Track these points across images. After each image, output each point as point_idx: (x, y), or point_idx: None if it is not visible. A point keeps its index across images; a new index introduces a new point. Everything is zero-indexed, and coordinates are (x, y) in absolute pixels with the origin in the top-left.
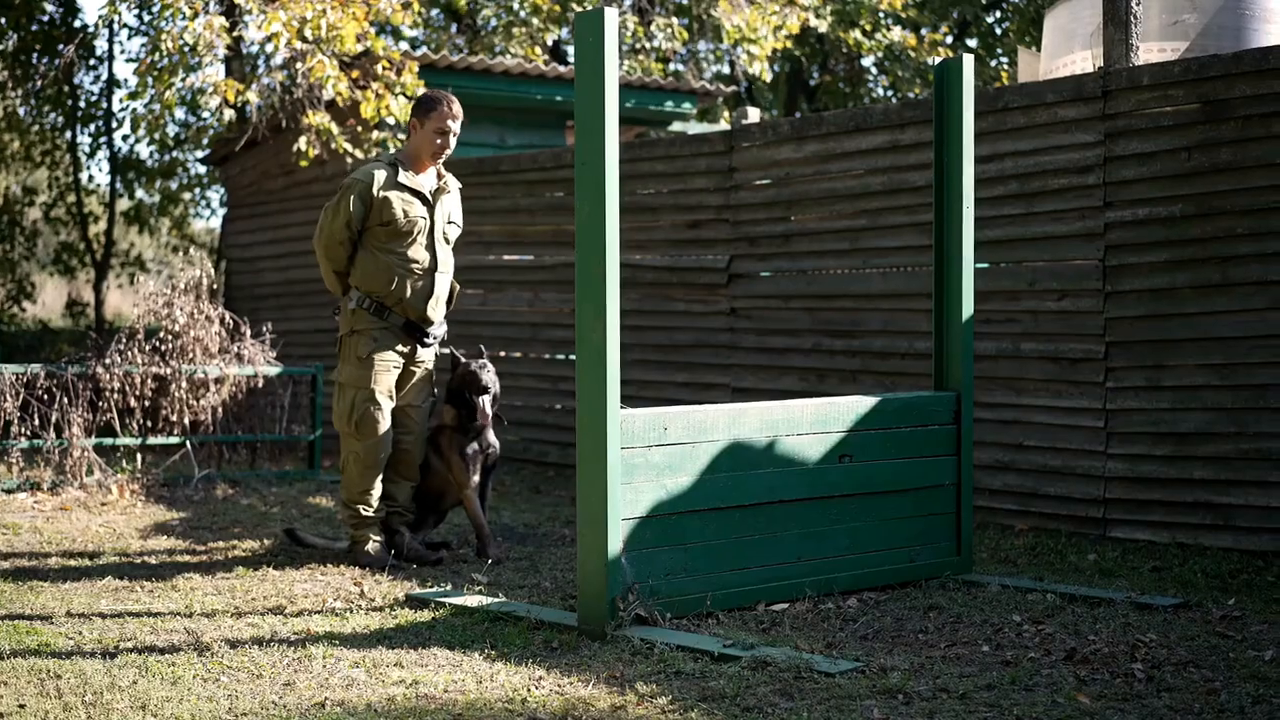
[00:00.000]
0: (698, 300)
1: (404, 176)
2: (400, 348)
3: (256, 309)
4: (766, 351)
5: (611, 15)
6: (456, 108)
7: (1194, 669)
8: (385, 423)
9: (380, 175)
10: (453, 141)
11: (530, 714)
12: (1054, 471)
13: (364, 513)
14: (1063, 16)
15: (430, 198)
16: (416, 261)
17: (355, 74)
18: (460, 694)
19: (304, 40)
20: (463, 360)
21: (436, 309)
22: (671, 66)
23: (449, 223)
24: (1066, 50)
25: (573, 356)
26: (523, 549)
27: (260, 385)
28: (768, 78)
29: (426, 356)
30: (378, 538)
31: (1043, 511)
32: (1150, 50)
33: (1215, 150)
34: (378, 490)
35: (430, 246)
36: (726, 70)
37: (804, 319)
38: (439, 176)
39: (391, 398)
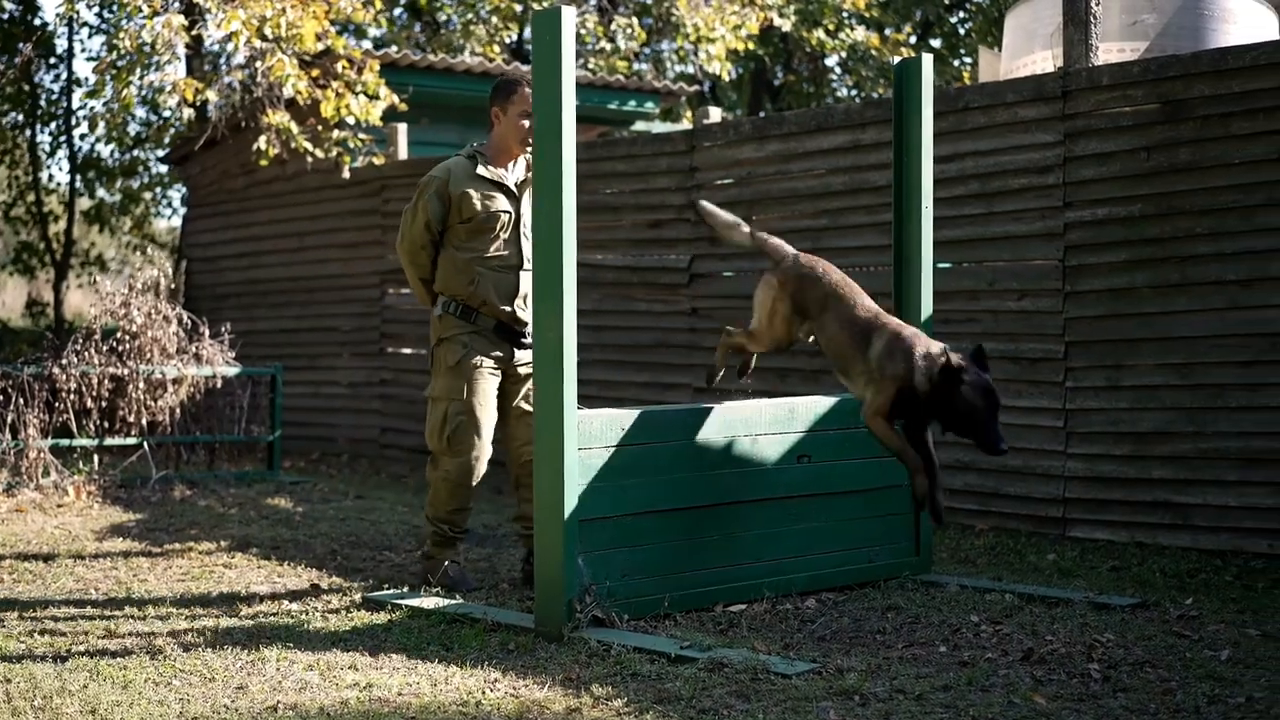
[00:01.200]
0: (659, 300)
1: (484, 169)
2: (495, 353)
3: (218, 309)
4: None
5: (569, 14)
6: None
7: (1150, 669)
8: (482, 439)
9: (458, 169)
10: None
11: (484, 717)
12: (1014, 471)
13: (450, 533)
14: (1024, 16)
15: (515, 190)
16: (499, 258)
17: (315, 73)
18: (414, 697)
19: (264, 39)
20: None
21: (526, 308)
22: (636, 66)
23: None
24: (1027, 50)
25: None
26: (481, 550)
27: (219, 386)
28: (727, 77)
29: (526, 358)
30: (458, 559)
31: (1003, 511)
32: (1110, 50)
33: (1174, 150)
34: (468, 512)
35: (515, 241)
36: (690, 70)
37: None
38: (528, 167)
39: (492, 409)
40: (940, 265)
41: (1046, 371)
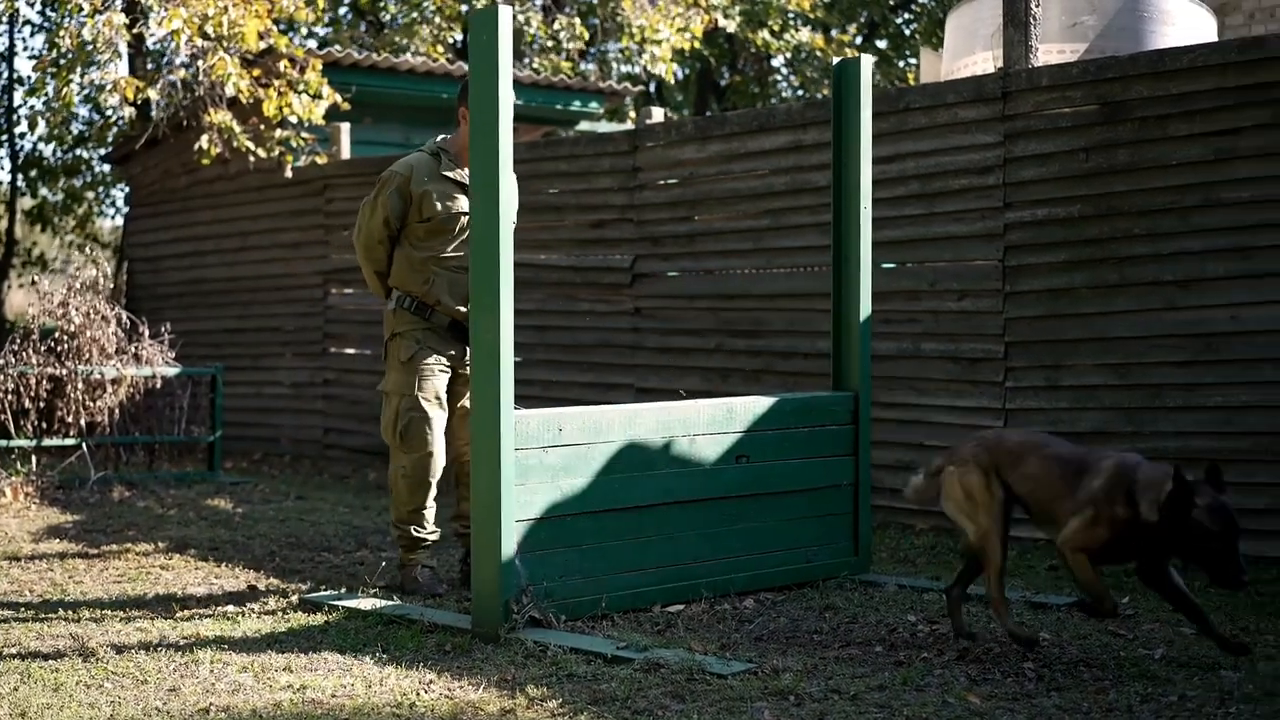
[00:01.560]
0: (602, 300)
1: (447, 168)
2: (449, 351)
3: (160, 309)
4: (670, 351)
5: (506, 13)
6: None
7: (1084, 668)
8: (435, 434)
9: (421, 166)
10: None
11: (418, 718)
12: None
13: (415, 534)
14: (965, 17)
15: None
16: (455, 259)
17: (256, 72)
18: (348, 699)
19: (205, 38)
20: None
21: None
22: (584, 67)
23: None
24: (968, 51)
25: None
26: None
27: (159, 386)
28: (672, 79)
29: None
30: (430, 563)
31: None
32: (1050, 52)
33: (1113, 151)
34: (431, 509)
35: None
36: (638, 71)
37: (707, 319)
38: None
39: (442, 405)
40: (886, 265)
41: (987, 372)
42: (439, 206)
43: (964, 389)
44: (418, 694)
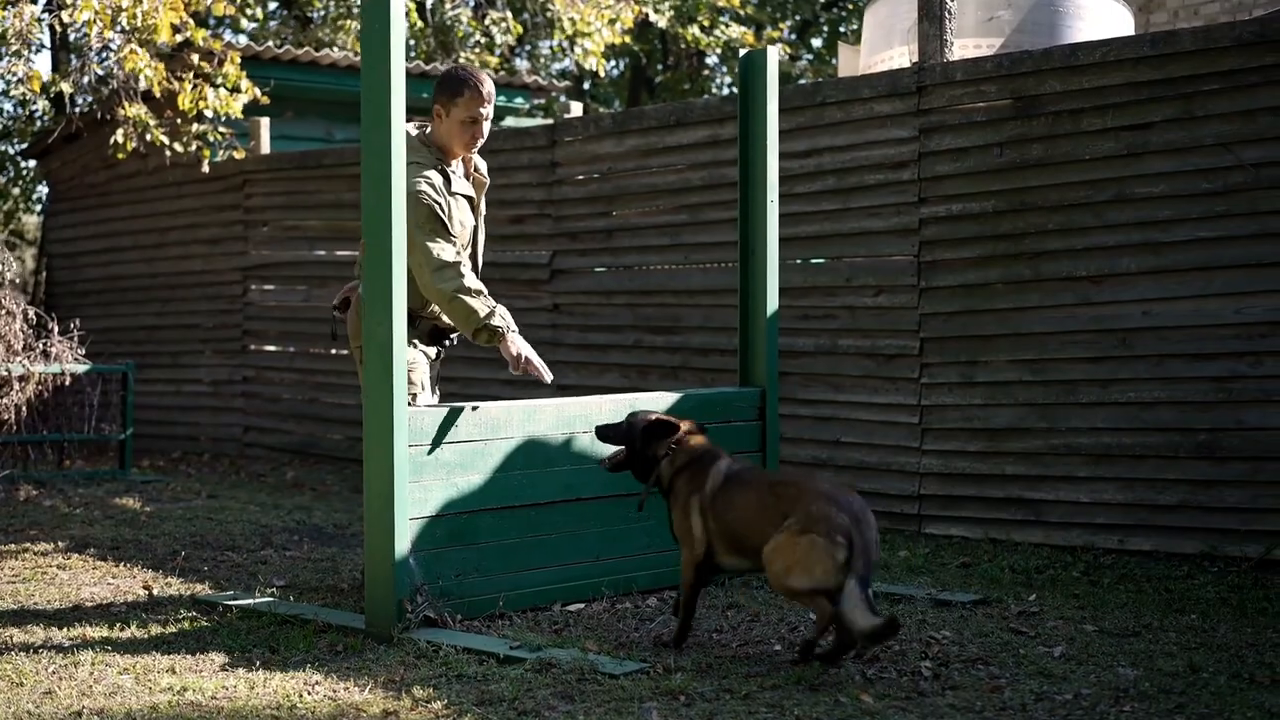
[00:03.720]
0: (520, 296)
1: (459, 185)
2: (429, 350)
3: (79, 305)
4: (588, 348)
5: (398, 2)
6: (488, 87)
7: (982, 666)
8: None
9: (438, 184)
10: (486, 129)
11: None
12: (870, 468)
13: None
14: (882, 12)
15: (476, 199)
16: None
17: (169, 65)
18: (228, 700)
19: (119, 29)
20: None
21: None
22: (519, 64)
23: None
24: (886, 45)
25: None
26: (326, 550)
27: (68, 383)
28: (604, 73)
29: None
30: None
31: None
32: (966, 46)
33: (1026, 146)
34: None
35: (468, 248)
36: (570, 67)
37: (625, 315)
38: (473, 167)
39: (430, 391)
40: (800, 261)
41: (902, 368)
42: (458, 227)
43: (880, 385)
44: (300, 695)
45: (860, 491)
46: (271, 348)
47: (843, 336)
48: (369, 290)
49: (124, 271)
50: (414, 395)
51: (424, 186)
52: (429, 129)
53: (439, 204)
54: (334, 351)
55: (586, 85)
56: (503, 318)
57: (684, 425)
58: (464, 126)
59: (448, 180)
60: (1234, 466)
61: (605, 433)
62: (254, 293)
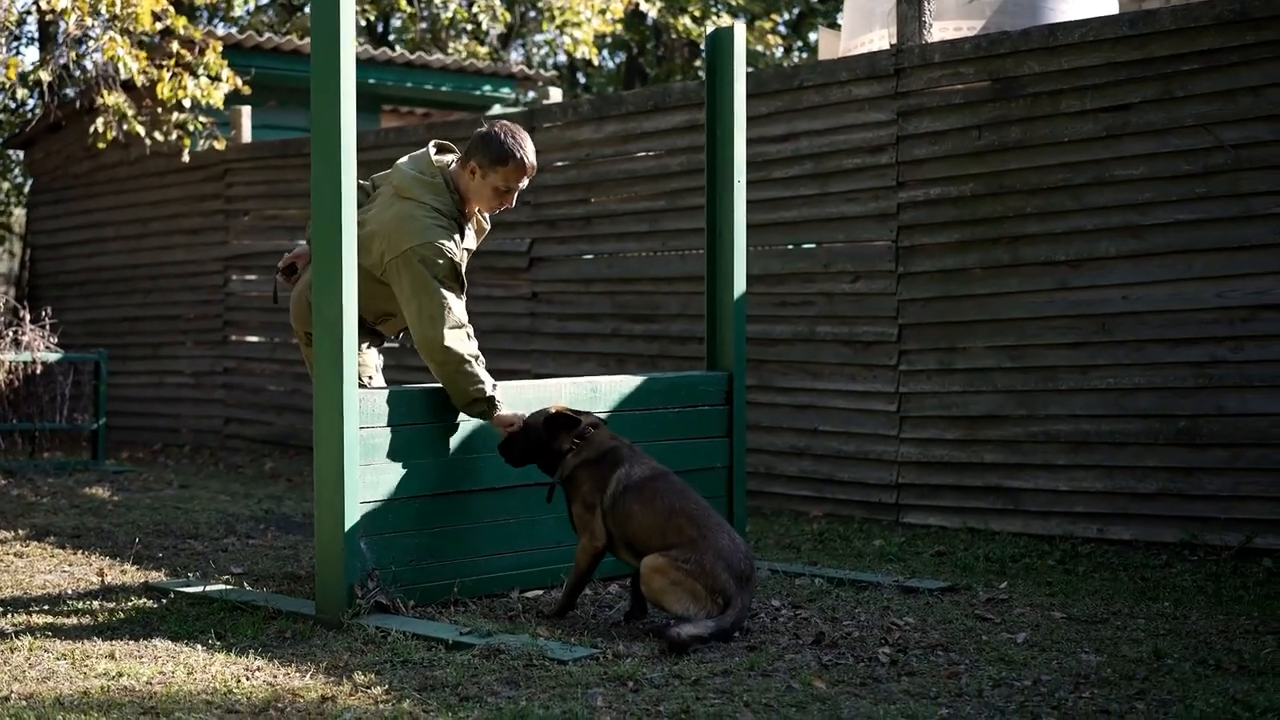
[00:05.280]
0: (499, 285)
1: (468, 236)
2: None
3: (62, 297)
4: (567, 337)
5: None
6: (532, 159)
7: (942, 652)
8: None
9: (449, 237)
10: (514, 200)
11: (230, 706)
12: (848, 457)
13: None
14: None
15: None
16: None
17: (150, 54)
18: (163, 686)
19: (98, 16)
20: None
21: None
22: (513, 56)
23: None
24: (866, 28)
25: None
26: (290, 539)
27: (39, 372)
28: (596, 61)
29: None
30: None
31: (837, 498)
32: (947, 28)
33: (1005, 129)
34: None
35: None
36: (563, 59)
37: (604, 303)
38: (478, 231)
39: (373, 374)
40: (792, 245)
41: (880, 355)
42: (462, 279)
43: (858, 373)
44: (238, 681)
45: (837, 480)
46: (253, 338)
47: (821, 323)
48: (318, 269)
49: (107, 263)
50: (370, 378)
51: (450, 246)
52: (452, 163)
53: (459, 262)
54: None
55: (582, 79)
56: (500, 393)
57: (585, 419)
58: (497, 193)
59: (462, 235)
60: (1214, 453)
61: (506, 447)
62: (235, 283)
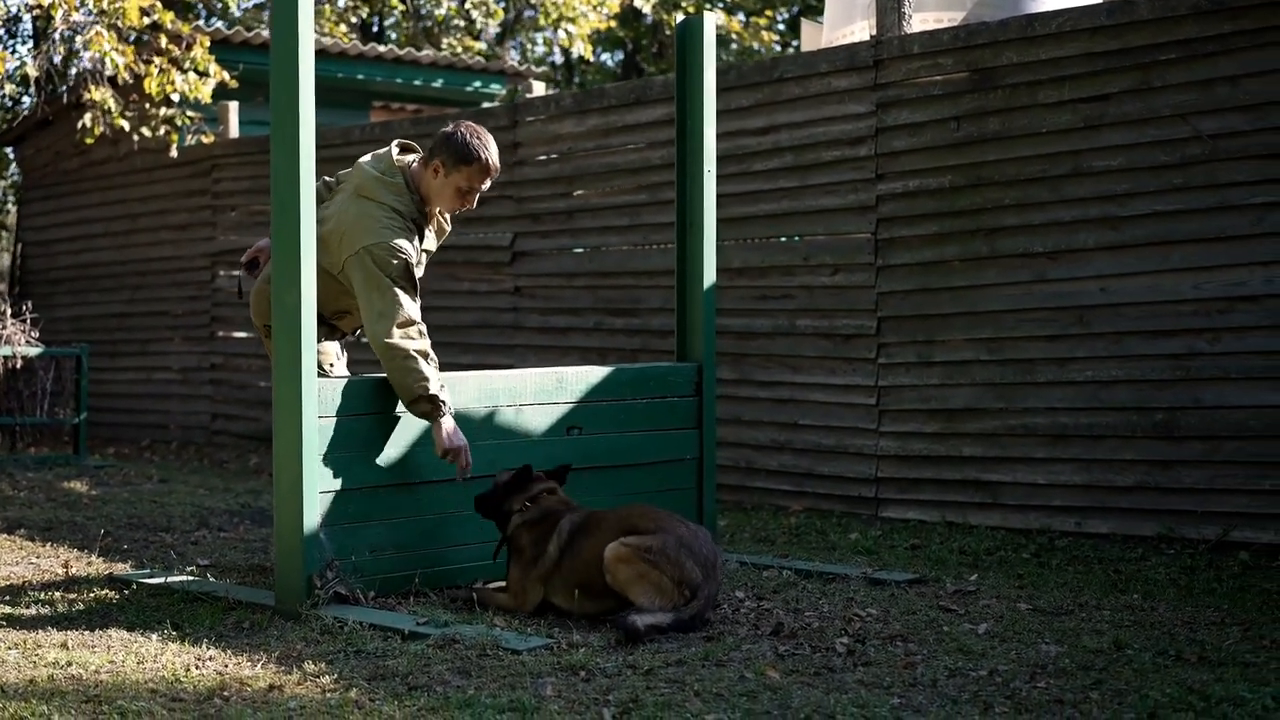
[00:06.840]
0: (482, 279)
1: (427, 241)
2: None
3: (52, 293)
4: (549, 331)
5: None
6: (496, 161)
7: (900, 642)
8: None
9: (407, 236)
10: (475, 201)
11: (175, 694)
12: (828, 451)
13: None
14: None
15: (432, 252)
16: None
17: (138, 49)
18: (110, 675)
19: (83, 8)
20: None
21: None
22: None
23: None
24: (847, 20)
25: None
26: (261, 532)
27: (19, 367)
28: (591, 57)
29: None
30: None
31: (817, 492)
32: (928, 20)
33: (983, 120)
34: None
35: None
36: (559, 57)
37: (586, 297)
38: (439, 232)
39: (333, 364)
40: (772, 238)
41: (860, 348)
42: (414, 280)
43: (838, 366)
44: (187, 670)
45: (817, 474)
46: (240, 334)
47: (800, 317)
48: (278, 258)
49: (96, 259)
50: (331, 365)
51: (405, 246)
52: (414, 162)
53: (413, 262)
54: None
55: (576, 79)
56: (448, 395)
57: (539, 484)
58: (459, 193)
59: (420, 236)
60: (1192, 446)
61: (479, 503)
62: (222, 279)
